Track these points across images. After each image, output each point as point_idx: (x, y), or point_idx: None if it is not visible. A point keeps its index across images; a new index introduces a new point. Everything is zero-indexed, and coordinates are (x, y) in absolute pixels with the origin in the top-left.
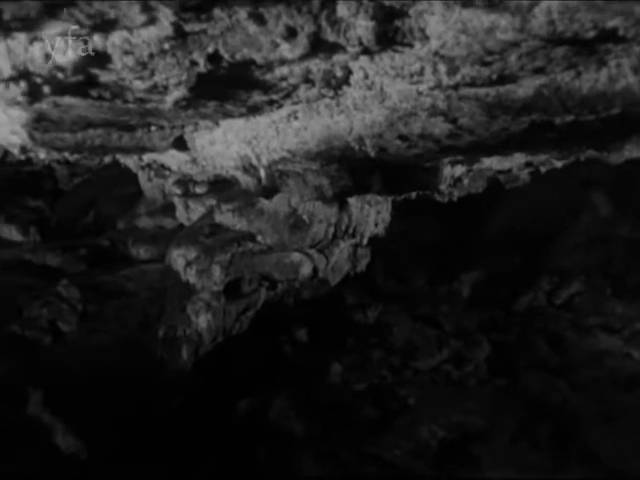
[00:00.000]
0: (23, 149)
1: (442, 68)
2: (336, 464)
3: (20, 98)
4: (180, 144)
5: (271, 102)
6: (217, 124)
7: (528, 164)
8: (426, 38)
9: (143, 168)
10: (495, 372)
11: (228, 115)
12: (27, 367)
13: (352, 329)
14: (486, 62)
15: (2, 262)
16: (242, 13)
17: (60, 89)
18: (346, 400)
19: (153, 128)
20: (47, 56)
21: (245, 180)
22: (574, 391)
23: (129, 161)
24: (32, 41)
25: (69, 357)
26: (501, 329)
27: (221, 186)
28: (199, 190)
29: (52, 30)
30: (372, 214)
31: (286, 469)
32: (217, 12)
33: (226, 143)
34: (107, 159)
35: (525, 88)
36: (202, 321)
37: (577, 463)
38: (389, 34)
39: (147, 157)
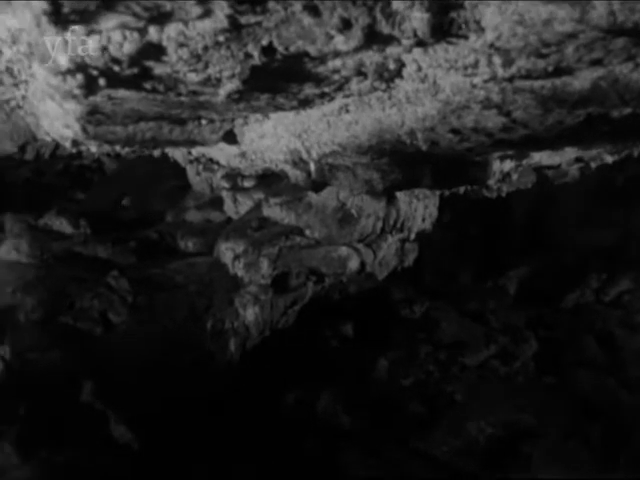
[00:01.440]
0: (75, 142)
1: (497, 60)
2: (382, 459)
3: (76, 91)
4: (230, 137)
5: (323, 95)
6: (267, 117)
7: (578, 159)
8: (481, 30)
9: (191, 162)
10: (543, 369)
11: (279, 108)
12: (79, 357)
13: (399, 324)
14: (542, 54)
15: (54, 254)
16: (297, 5)
17: (115, 82)
18: (392, 395)
19: (204, 121)
20: (103, 49)
21: (294, 174)
22: (624, 389)
23: (177, 154)
24: (89, 34)
25: (119, 348)
26: (549, 326)
27: (269, 180)
28: (247, 184)
29: (109, 23)
30: (420, 209)
31: (333, 463)
32: (272, 4)
33: (276, 136)
34: (156, 153)
35: (582, 80)
36: (250, 314)
37: (628, 463)
38: (444, 26)
39: (196, 151)
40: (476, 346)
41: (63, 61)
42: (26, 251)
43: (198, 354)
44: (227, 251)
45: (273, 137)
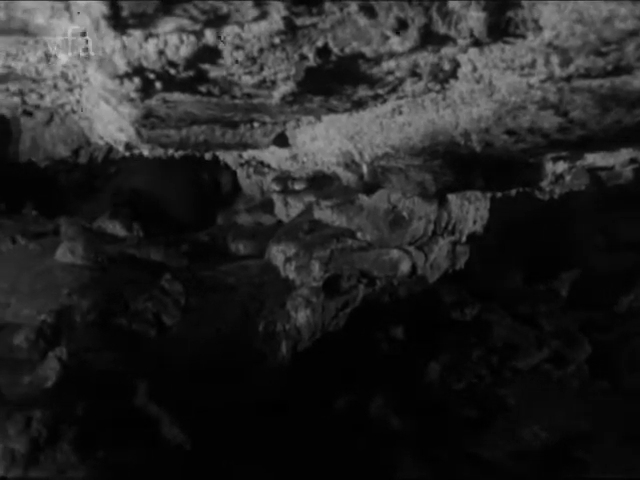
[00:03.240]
0: (128, 146)
1: (555, 60)
2: (435, 463)
3: (133, 94)
4: (281, 140)
5: (376, 97)
6: (319, 120)
7: (633, 160)
8: (539, 29)
9: (242, 165)
10: (598, 374)
11: (332, 110)
12: (134, 358)
13: (450, 327)
14: (602, 52)
15: (108, 257)
16: (353, 6)
17: (170, 85)
18: (444, 399)
19: (256, 124)
20: (160, 52)
21: (346, 176)
22: None
23: (228, 158)
24: (147, 37)
25: (173, 350)
26: (602, 330)
27: (320, 182)
28: (298, 187)
29: (167, 26)
30: (471, 211)
31: (386, 465)
32: (328, 5)
33: (328, 139)
34: (207, 155)
35: None
36: (301, 317)
37: None
38: (501, 25)
39: (247, 154)
40: (528, 350)
41: (121, 64)
42: (81, 254)
43: (250, 356)
44: (278, 254)
45: (325, 139)
